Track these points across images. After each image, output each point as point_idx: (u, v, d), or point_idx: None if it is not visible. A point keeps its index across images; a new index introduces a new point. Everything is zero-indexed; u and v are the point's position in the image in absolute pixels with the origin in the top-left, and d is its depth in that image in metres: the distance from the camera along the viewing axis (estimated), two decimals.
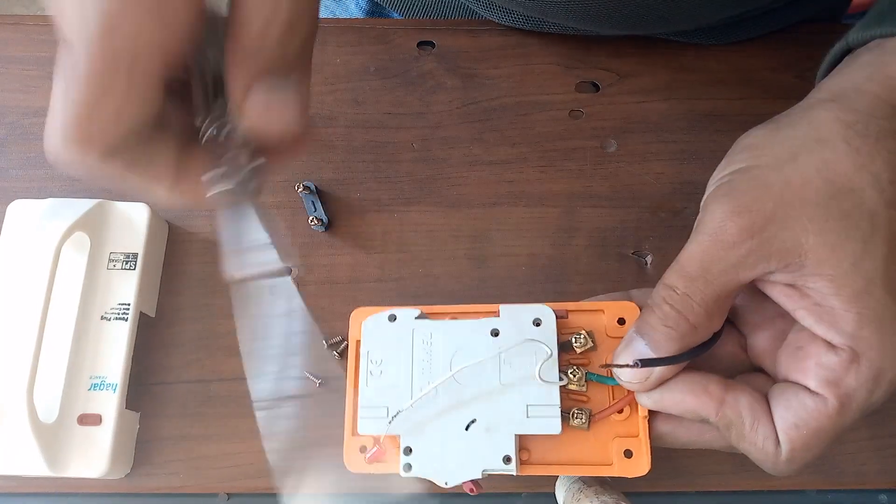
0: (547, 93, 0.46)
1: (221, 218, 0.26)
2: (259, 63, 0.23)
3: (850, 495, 0.40)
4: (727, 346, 0.32)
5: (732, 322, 0.33)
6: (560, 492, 0.37)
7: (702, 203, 0.30)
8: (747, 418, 0.29)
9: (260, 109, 0.24)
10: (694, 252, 0.29)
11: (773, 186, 0.28)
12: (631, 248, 0.43)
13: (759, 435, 0.29)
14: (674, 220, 0.44)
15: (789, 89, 0.46)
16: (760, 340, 0.32)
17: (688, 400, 0.30)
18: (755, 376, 0.31)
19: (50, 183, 0.44)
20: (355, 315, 0.34)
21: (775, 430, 0.29)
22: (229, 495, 0.39)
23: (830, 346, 0.28)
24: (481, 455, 0.31)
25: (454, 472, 0.31)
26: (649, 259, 0.43)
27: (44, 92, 0.46)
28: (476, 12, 0.48)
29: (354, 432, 0.33)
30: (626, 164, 0.45)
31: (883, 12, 0.30)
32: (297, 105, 0.24)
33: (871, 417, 0.40)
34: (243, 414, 0.40)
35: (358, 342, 0.34)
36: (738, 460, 0.39)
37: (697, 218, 0.29)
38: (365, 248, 0.43)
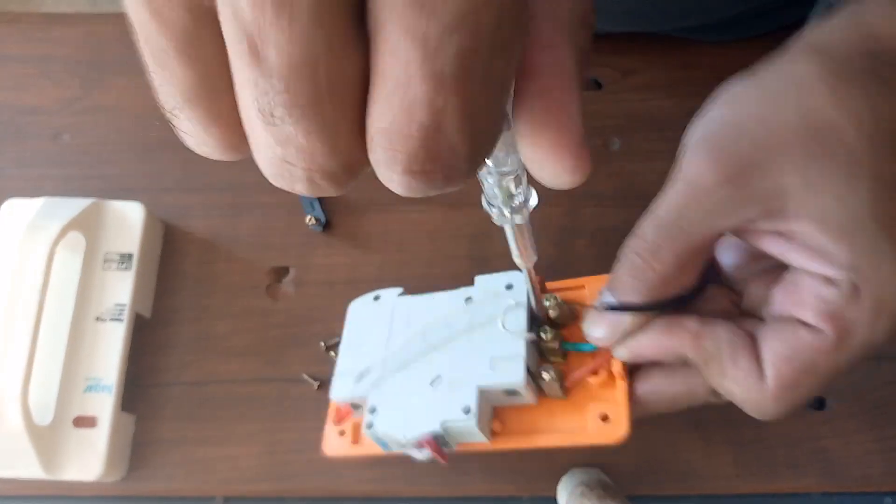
0: None
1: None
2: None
3: (855, 498, 0.39)
4: (720, 303, 0.31)
5: (722, 280, 0.32)
6: (562, 495, 0.37)
7: (678, 153, 0.29)
8: (726, 350, 0.28)
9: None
10: (670, 199, 0.28)
11: (750, 131, 0.27)
12: None
13: (740, 368, 0.28)
14: None
15: None
16: (754, 290, 0.30)
17: (663, 339, 0.29)
18: (743, 319, 0.30)
19: (44, 182, 0.44)
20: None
21: (759, 364, 0.28)
22: (226, 499, 0.39)
23: (828, 280, 0.27)
24: (441, 408, 0.30)
25: (415, 427, 0.30)
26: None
27: (39, 90, 0.45)
28: None
29: (336, 421, 0.33)
30: (629, 163, 0.44)
31: None
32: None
33: (876, 419, 0.40)
34: (240, 417, 0.39)
35: None
36: (741, 463, 0.39)
37: (676, 167, 0.28)
38: (364, 247, 0.43)
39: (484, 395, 0.30)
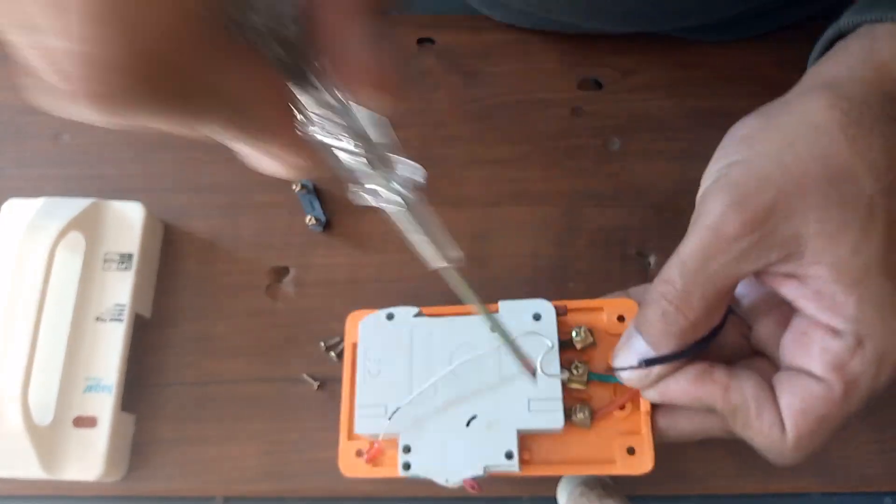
0: (549, 90, 0.46)
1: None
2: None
3: (855, 498, 0.39)
4: (730, 336, 0.32)
5: (734, 311, 0.32)
6: (562, 495, 0.37)
7: (698, 197, 0.30)
8: (752, 404, 0.29)
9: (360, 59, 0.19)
10: (694, 246, 0.28)
11: (771, 177, 0.27)
12: (634, 248, 0.43)
13: (764, 421, 0.29)
14: (678, 220, 0.43)
15: (794, 86, 0.45)
16: (764, 327, 0.31)
17: (693, 389, 0.30)
18: (758, 361, 0.31)
19: (44, 182, 0.44)
20: (351, 318, 0.34)
21: (781, 417, 0.28)
22: (226, 499, 0.39)
23: (834, 331, 0.28)
24: (483, 451, 0.30)
25: (455, 470, 0.30)
26: (653, 259, 0.42)
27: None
28: (477, 9, 0.48)
29: (350, 436, 0.32)
30: (629, 163, 0.44)
31: None
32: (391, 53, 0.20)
33: (876, 420, 0.40)
34: (240, 416, 0.39)
35: (354, 345, 0.33)
36: (741, 463, 0.39)
37: (694, 213, 0.29)
38: (364, 248, 0.43)
39: (521, 436, 0.31)
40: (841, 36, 0.32)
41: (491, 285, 0.42)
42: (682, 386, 0.30)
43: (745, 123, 0.30)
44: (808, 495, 0.39)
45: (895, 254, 0.27)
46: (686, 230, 0.45)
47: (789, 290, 0.28)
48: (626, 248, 0.43)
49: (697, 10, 0.43)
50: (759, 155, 0.28)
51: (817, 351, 0.28)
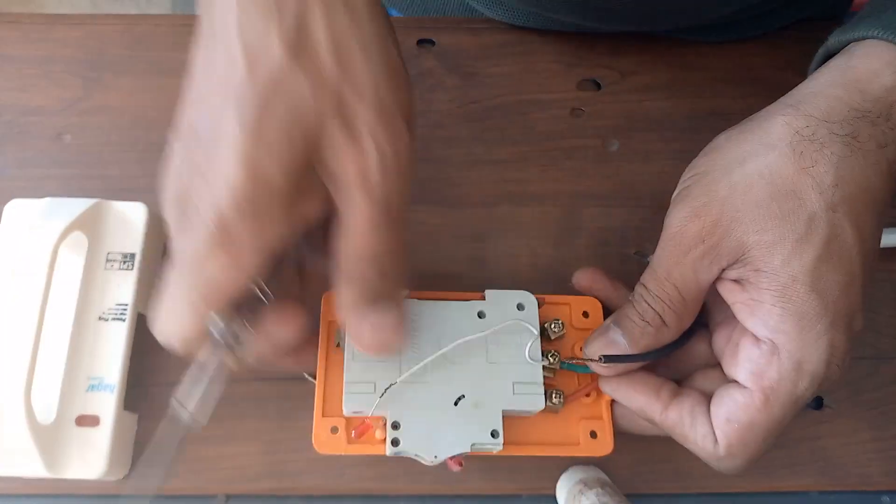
0: (548, 91, 0.46)
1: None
2: (354, 291, 0.27)
3: (854, 496, 0.40)
4: (698, 343, 0.34)
5: (705, 324, 0.34)
6: (561, 493, 0.37)
7: (670, 203, 0.32)
8: (687, 419, 0.31)
9: (356, 332, 0.28)
10: (660, 256, 0.31)
11: (720, 191, 0.30)
12: (633, 248, 0.43)
13: (697, 433, 0.31)
14: None
15: (791, 87, 0.45)
16: (718, 338, 0.33)
17: (639, 399, 0.32)
18: (712, 372, 0.33)
19: (47, 182, 0.44)
20: (327, 298, 0.34)
21: (713, 428, 0.30)
22: (228, 497, 0.39)
23: (756, 339, 0.30)
24: (469, 430, 0.32)
25: (443, 447, 0.32)
26: (651, 259, 0.42)
27: (40, 90, 0.46)
28: (476, 10, 0.48)
29: (325, 413, 0.33)
30: (628, 163, 0.45)
31: (862, 16, 0.32)
32: (385, 329, 0.28)
33: (874, 419, 0.40)
34: (242, 415, 0.39)
35: (329, 323, 0.34)
36: None
37: (664, 221, 0.32)
38: None
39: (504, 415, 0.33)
40: (830, 55, 0.33)
41: (490, 285, 0.42)
42: (631, 394, 0.33)
43: (718, 137, 0.32)
44: (806, 494, 0.40)
45: (829, 269, 0.28)
46: None
47: (730, 295, 0.31)
48: (625, 247, 0.43)
49: (696, 11, 0.43)
50: (715, 168, 0.31)
51: (742, 359, 0.30)
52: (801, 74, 0.47)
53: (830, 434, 0.40)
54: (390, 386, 0.32)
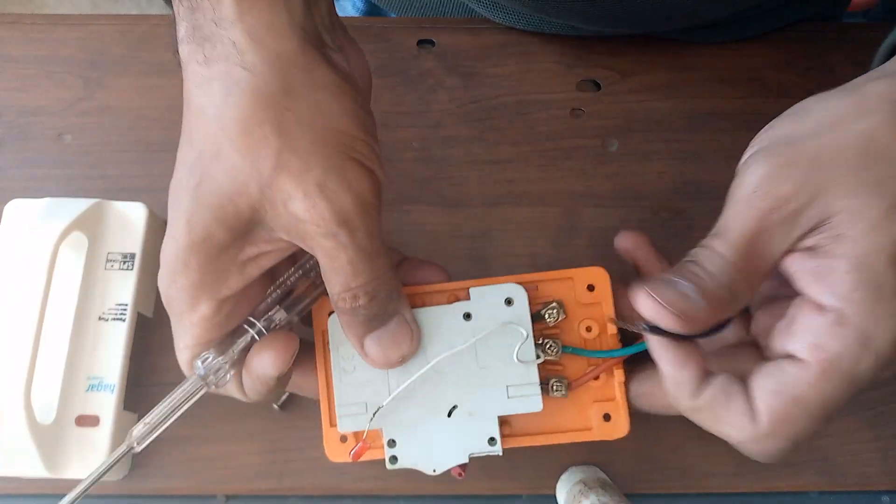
0: (548, 91, 0.46)
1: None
2: (348, 319, 0.30)
3: (853, 497, 0.40)
4: (737, 330, 0.32)
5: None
6: (561, 493, 0.37)
7: (739, 164, 0.29)
8: (720, 396, 0.28)
9: (362, 354, 0.31)
10: (732, 218, 0.28)
11: (807, 152, 0.27)
12: None
13: (733, 412, 0.28)
14: (675, 220, 0.44)
15: (791, 87, 0.46)
16: (762, 316, 0.31)
17: (672, 371, 0.29)
18: (743, 350, 0.31)
19: (47, 182, 0.44)
20: (318, 307, 0.33)
21: (751, 406, 0.28)
22: (227, 497, 0.39)
23: (820, 307, 0.27)
24: (466, 439, 0.31)
25: (441, 459, 0.31)
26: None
27: (41, 91, 0.46)
28: (475, 11, 0.48)
29: (332, 423, 0.32)
30: (627, 164, 0.45)
31: None
32: (388, 345, 0.30)
33: (874, 418, 0.40)
34: (242, 415, 0.39)
35: (324, 332, 0.33)
36: (740, 461, 0.39)
37: (734, 181, 0.29)
38: None
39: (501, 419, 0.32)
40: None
41: None
42: (664, 364, 0.29)
43: (809, 99, 0.30)
44: (806, 494, 0.40)
45: None
46: (684, 230, 0.45)
47: (794, 264, 0.28)
48: None
49: (695, 12, 0.43)
50: (801, 130, 0.28)
51: (800, 329, 0.27)
52: (801, 74, 0.48)
53: (830, 433, 0.40)
54: (378, 409, 0.31)
